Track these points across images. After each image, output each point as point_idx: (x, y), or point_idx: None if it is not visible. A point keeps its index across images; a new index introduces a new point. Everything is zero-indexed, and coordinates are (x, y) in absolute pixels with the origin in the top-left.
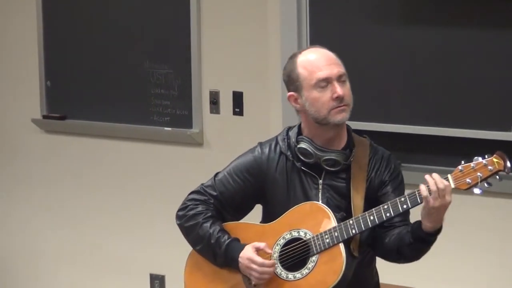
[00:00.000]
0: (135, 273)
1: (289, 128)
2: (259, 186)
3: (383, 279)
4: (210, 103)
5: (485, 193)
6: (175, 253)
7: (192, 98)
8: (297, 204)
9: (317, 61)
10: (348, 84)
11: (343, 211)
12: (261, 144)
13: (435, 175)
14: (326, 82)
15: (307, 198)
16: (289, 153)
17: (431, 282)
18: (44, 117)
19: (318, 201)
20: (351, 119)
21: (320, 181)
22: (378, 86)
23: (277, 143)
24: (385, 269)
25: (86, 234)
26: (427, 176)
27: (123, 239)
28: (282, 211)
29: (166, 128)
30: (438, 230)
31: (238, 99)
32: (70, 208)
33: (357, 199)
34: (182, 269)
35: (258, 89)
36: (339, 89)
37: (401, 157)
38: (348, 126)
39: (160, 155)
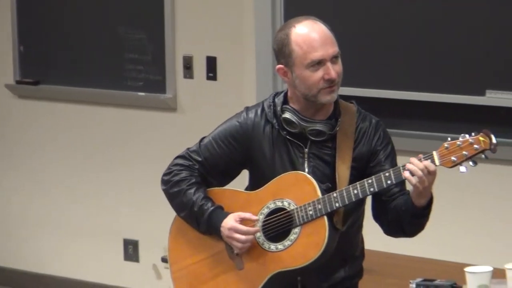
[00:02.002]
0: (108, 238)
1: (276, 94)
2: (244, 152)
3: (367, 245)
4: (183, 68)
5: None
6: (148, 219)
7: (166, 63)
8: (283, 172)
9: (313, 40)
10: (339, 62)
11: (329, 181)
12: (247, 109)
13: (414, 160)
14: (319, 62)
15: (293, 166)
16: (275, 121)
17: (414, 247)
18: (17, 82)
19: (304, 169)
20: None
21: (306, 149)
22: (352, 51)
23: (263, 109)
24: (369, 235)
25: (59, 199)
26: (411, 159)
27: (97, 204)
28: (268, 178)
29: (139, 93)
30: (430, 201)
31: (211, 64)
32: (44, 173)
33: (343, 169)
34: (155, 234)
35: (231, 54)
36: (332, 72)
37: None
38: None
39: (134, 120)
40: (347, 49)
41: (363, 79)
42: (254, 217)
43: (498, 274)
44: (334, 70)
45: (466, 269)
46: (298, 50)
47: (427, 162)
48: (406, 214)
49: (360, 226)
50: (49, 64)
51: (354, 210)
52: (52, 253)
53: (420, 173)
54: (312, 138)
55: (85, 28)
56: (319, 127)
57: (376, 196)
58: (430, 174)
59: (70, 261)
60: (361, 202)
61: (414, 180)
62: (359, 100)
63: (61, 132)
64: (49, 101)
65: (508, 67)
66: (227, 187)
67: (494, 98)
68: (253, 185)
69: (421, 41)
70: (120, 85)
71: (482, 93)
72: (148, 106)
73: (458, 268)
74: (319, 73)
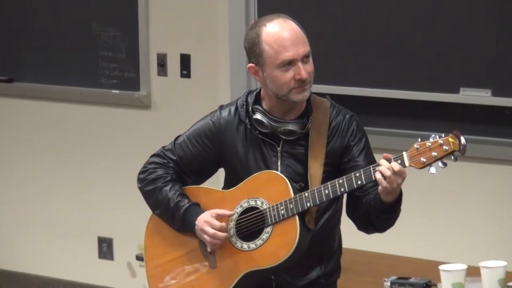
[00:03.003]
0: (83, 236)
1: (249, 93)
2: (217, 151)
3: (345, 243)
4: (157, 65)
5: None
6: (123, 216)
7: (140, 60)
8: (257, 171)
9: (284, 40)
10: (311, 60)
11: (302, 179)
12: (221, 108)
13: (384, 161)
14: (290, 63)
15: (266, 165)
16: (247, 120)
17: (389, 244)
18: None
19: (277, 168)
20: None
21: (279, 148)
22: (325, 49)
23: (236, 108)
24: (343, 232)
25: (34, 197)
26: (381, 161)
27: (72, 202)
28: (242, 177)
29: (113, 91)
30: (399, 198)
31: (185, 62)
32: (18, 171)
33: (315, 167)
34: (130, 232)
35: (205, 51)
36: (303, 72)
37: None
38: None
39: (108, 118)
40: (323, 46)
41: (338, 77)
42: (229, 212)
43: (473, 272)
44: (305, 70)
45: (441, 267)
46: (268, 49)
47: (397, 164)
48: (375, 209)
49: (336, 222)
50: (23, 62)
51: (327, 209)
52: (26, 251)
53: (389, 173)
54: (284, 137)
55: (59, 25)
56: (290, 127)
57: (350, 192)
58: (400, 176)
59: (44, 259)
60: (335, 200)
61: (384, 182)
62: (334, 98)
63: (35, 130)
64: (23, 98)
65: (482, 64)
66: (203, 185)
67: (468, 96)
68: (228, 184)
69: (396, 39)
70: (94, 82)
71: (457, 91)
72: (122, 104)
73: (433, 266)
74: (290, 73)
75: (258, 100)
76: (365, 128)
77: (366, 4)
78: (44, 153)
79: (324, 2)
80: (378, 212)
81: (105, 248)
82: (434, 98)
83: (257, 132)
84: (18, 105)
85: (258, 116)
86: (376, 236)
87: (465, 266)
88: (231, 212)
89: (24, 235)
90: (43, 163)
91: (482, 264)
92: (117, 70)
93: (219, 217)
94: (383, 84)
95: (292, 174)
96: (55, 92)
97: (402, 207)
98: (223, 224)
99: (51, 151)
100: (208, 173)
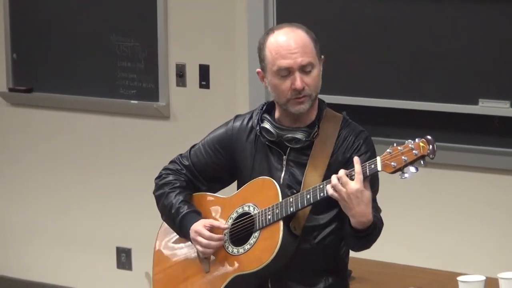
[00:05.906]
0: (101, 246)
1: (266, 103)
2: (229, 159)
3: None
4: (176, 76)
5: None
6: (141, 226)
7: (159, 71)
8: None
9: (282, 48)
10: (314, 72)
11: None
12: (236, 117)
13: (342, 170)
14: (287, 71)
15: (271, 173)
16: (258, 128)
17: (406, 255)
18: (10, 90)
19: (281, 176)
20: (322, 92)
21: (285, 157)
22: (345, 59)
23: (251, 117)
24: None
25: (51, 207)
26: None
27: (90, 212)
28: None
29: (132, 101)
30: (368, 227)
31: (204, 72)
32: (36, 181)
33: (312, 176)
34: (148, 242)
35: (224, 62)
36: (298, 82)
37: (370, 131)
38: (321, 101)
39: (127, 128)
40: (342, 57)
41: (357, 88)
42: (223, 226)
43: (491, 283)
44: (301, 80)
45: (459, 278)
46: (269, 56)
47: (342, 171)
48: (345, 230)
49: (337, 240)
50: (42, 72)
51: (329, 224)
52: (44, 261)
53: (335, 181)
54: (290, 145)
55: (78, 36)
56: (295, 134)
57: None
58: (345, 183)
59: (63, 269)
60: (337, 216)
61: (331, 190)
62: (351, 108)
63: (53, 140)
64: (42, 108)
65: (501, 76)
66: (217, 194)
67: (487, 107)
68: None
69: (414, 49)
70: (113, 93)
71: (475, 102)
72: (141, 114)
73: (451, 277)
74: (287, 83)
75: (271, 109)
76: (383, 139)
77: (385, 16)
78: (62, 163)
79: (343, 13)
80: (346, 233)
81: (124, 258)
82: (452, 109)
83: (265, 139)
84: (37, 115)
85: (265, 124)
86: (394, 247)
87: (483, 278)
88: (225, 226)
89: (41, 246)
90: (61, 172)
91: (500, 275)
92: (136, 81)
93: (213, 228)
94: (401, 95)
95: (293, 182)
96: (73, 102)
97: (420, 217)
98: (213, 235)
99: (70, 161)
100: (221, 181)
